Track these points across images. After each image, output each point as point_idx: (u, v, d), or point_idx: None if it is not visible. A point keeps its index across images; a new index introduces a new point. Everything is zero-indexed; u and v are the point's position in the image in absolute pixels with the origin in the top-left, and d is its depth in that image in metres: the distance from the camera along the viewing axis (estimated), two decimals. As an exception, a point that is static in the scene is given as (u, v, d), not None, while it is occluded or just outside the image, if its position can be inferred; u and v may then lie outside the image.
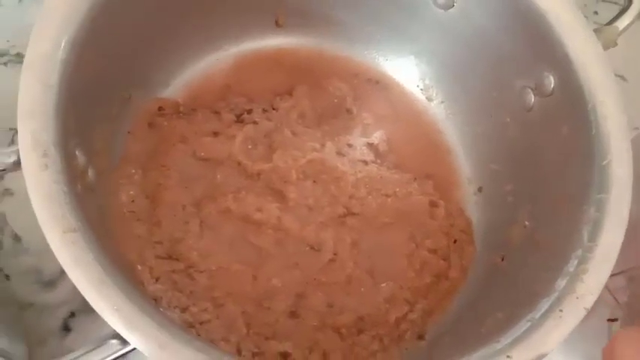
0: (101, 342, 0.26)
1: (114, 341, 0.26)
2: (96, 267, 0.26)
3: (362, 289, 0.41)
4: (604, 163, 0.34)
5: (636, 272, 0.60)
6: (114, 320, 0.25)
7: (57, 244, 0.25)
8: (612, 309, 0.59)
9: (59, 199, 0.27)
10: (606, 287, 0.31)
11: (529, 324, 0.29)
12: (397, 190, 0.45)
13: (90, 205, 0.31)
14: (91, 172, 0.33)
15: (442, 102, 0.49)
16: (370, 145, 0.47)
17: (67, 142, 0.29)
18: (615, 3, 0.60)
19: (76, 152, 0.31)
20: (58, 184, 0.27)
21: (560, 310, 0.29)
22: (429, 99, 0.49)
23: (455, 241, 0.44)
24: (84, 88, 0.33)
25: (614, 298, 0.60)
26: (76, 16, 0.31)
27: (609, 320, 0.58)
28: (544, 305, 0.30)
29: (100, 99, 0.36)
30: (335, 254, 0.41)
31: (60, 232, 0.26)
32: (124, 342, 0.26)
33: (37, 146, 0.27)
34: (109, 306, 0.25)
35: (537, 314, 0.30)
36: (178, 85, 0.46)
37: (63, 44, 0.30)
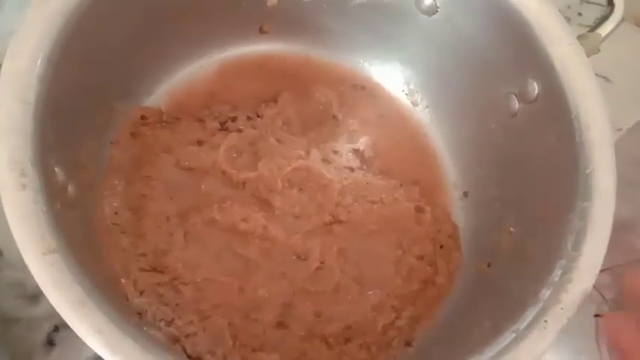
0: (83, 364, 0.26)
1: (95, 363, 0.25)
2: (76, 288, 0.25)
3: (349, 297, 0.41)
4: (587, 171, 0.34)
5: (622, 269, 0.61)
6: (96, 343, 0.24)
7: (36, 266, 0.25)
8: (598, 305, 0.59)
9: (38, 219, 0.26)
10: (593, 284, 0.32)
11: (514, 335, 0.30)
12: (383, 196, 0.45)
13: (70, 221, 0.31)
14: (71, 188, 0.32)
15: (427, 107, 0.49)
16: (356, 152, 0.47)
17: (47, 159, 0.29)
18: (599, 4, 0.60)
19: (56, 169, 0.30)
20: (36, 204, 0.27)
21: (545, 321, 0.30)
22: (414, 104, 0.49)
23: (441, 247, 0.44)
24: (64, 103, 0.32)
25: (601, 294, 0.60)
26: (53, 31, 0.30)
27: (596, 316, 0.59)
28: (529, 316, 0.30)
29: (81, 112, 0.35)
30: (322, 263, 0.41)
31: (39, 253, 0.25)
32: (105, 364, 0.25)
33: (15, 165, 0.27)
34: (91, 328, 0.25)
35: (522, 325, 0.30)
36: (162, 93, 0.45)
37: (40, 60, 0.29)
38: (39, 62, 0.29)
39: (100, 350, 0.24)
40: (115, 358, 0.24)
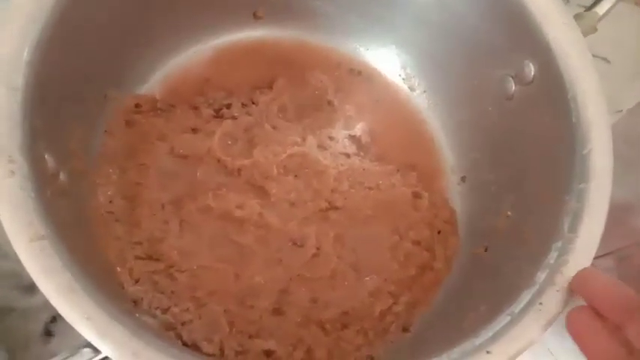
0: (74, 350, 0.26)
1: (86, 349, 0.25)
2: (65, 275, 0.25)
3: (346, 283, 0.41)
4: (584, 152, 0.33)
5: (624, 253, 0.60)
6: (85, 329, 0.24)
7: (24, 252, 0.25)
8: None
9: (26, 206, 0.26)
10: (595, 267, 0.31)
11: (509, 318, 0.29)
12: (380, 182, 0.44)
13: (62, 209, 0.31)
14: (63, 175, 0.32)
15: (424, 91, 0.49)
16: (352, 138, 0.47)
17: (35, 146, 0.29)
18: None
19: (46, 156, 0.30)
20: (24, 191, 0.26)
21: (540, 304, 0.29)
22: (412, 88, 0.49)
23: (439, 232, 0.44)
24: (53, 89, 0.32)
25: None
26: (41, 15, 0.30)
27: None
28: (524, 298, 0.30)
29: (72, 99, 0.35)
30: (318, 249, 0.41)
31: (27, 240, 0.25)
32: (97, 350, 0.25)
33: (2, 152, 0.27)
34: (80, 315, 0.24)
35: (517, 308, 0.30)
36: (156, 80, 0.45)
37: (27, 45, 0.29)
38: (26, 48, 0.29)
39: (89, 336, 0.24)
40: (104, 343, 0.24)
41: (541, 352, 0.55)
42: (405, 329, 0.41)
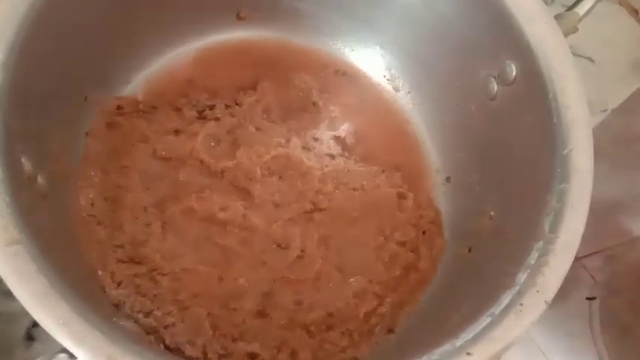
0: (51, 355, 0.25)
1: (62, 355, 0.25)
2: (40, 279, 0.25)
3: (330, 284, 0.41)
4: (565, 152, 0.33)
5: (613, 251, 0.61)
6: (59, 334, 0.24)
7: (-2, 257, 0.25)
8: (590, 288, 0.59)
9: (0, 210, 0.26)
10: (584, 266, 0.31)
11: (489, 319, 0.29)
12: (365, 183, 0.44)
13: (41, 212, 0.31)
14: (41, 178, 0.32)
15: (409, 92, 0.48)
16: (337, 138, 0.46)
17: (11, 149, 0.29)
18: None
19: (22, 159, 0.30)
20: (-1, 195, 0.26)
21: (521, 304, 0.29)
22: (396, 89, 0.49)
23: (424, 233, 0.44)
24: (31, 91, 0.32)
25: (592, 277, 0.60)
26: (15, 15, 0.29)
27: (588, 298, 0.59)
28: (505, 299, 0.30)
29: (51, 101, 0.34)
30: (302, 251, 0.41)
31: (1, 244, 0.25)
32: (73, 356, 0.25)
33: (-24, 156, 0.26)
34: (54, 320, 0.24)
35: (498, 309, 0.30)
36: (138, 82, 0.44)
37: (1, 47, 0.29)
38: (1, 49, 0.28)
39: (64, 341, 0.24)
40: (79, 349, 0.24)
41: (532, 352, 0.55)
42: (390, 330, 0.40)
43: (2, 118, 0.28)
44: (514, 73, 0.37)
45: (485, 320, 0.29)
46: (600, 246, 0.60)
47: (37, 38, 0.31)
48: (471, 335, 0.29)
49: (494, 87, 0.39)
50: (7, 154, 0.28)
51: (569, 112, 0.34)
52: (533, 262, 0.31)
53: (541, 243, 0.32)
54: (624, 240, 0.60)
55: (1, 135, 0.28)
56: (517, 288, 0.30)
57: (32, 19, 0.30)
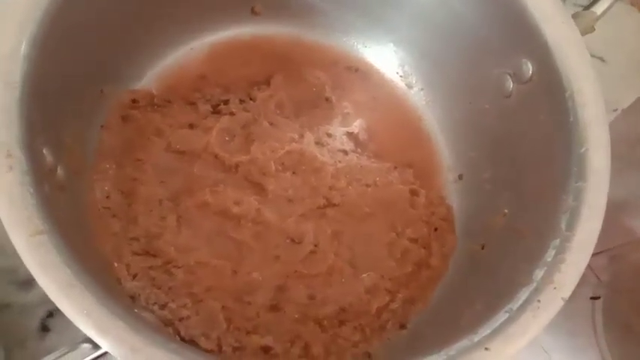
0: (74, 346, 0.26)
1: (86, 345, 0.25)
2: (65, 270, 0.25)
3: (343, 280, 0.41)
4: (582, 150, 0.34)
5: (618, 251, 0.61)
6: (84, 325, 0.24)
7: (23, 247, 0.25)
8: (595, 287, 0.60)
9: (25, 201, 0.26)
10: (589, 266, 0.32)
11: (507, 315, 0.29)
12: (377, 179, 0.44)
13: (60, 204, 0.31)
14: (61, 170, 0.32)
15: (422, 89, 0.49)
16: (350, 134, 0.47)
17: (33, 140, 0.29)
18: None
19: (44, 151, 0.30)
20: (23, 186, 0.26)
21: (539, 301, 0.29)
22: (409, 86, 0.49)
23: (435, 230, 0.44)
24: (51, 84, 0.32)
25: (597, 276, 0.61)
26: (38, 10, 0.30)
27: (592, 298, 0.59)
28: (522, 296, 0.30)
29: (69, 94, 0.35)
30: (315, 246, 0.41)
31: (26, 235, 0.25)
32: (97, 346, 0.25)
33: (1, 147, 0.26)
34: (79, 310, 0.24)
35: (515, 305, 0.30)
36: (153, 76, 0.45)
37: (25, 40, 0.29)
38: (24, 43, 0.29)
39: (88, 332, 0.24)
40: (104, 339, 0.24)
41: (535, 350, 0.56)
42: (402, 326, 0.41)
43: (25, 111, 0.28)
44: (530, 72, 0.37)
45: (502, 316, 0.29)
46: (605, 245, 0.60)
47: (56, 32, 0.31)
48: (489, 331, 0.29)
49: (510, 85, 0.39)
50: (30, 145, 0.28)
51: (586, 111, 0.34)
52: (550, 259, 0.31)
53: (558, 241, 0.32)
54: (629, 240, 0.60)
55: (25, 127, 0.28)
56: (534, 285, 0.30)
57: (53, 14, 0.31)
